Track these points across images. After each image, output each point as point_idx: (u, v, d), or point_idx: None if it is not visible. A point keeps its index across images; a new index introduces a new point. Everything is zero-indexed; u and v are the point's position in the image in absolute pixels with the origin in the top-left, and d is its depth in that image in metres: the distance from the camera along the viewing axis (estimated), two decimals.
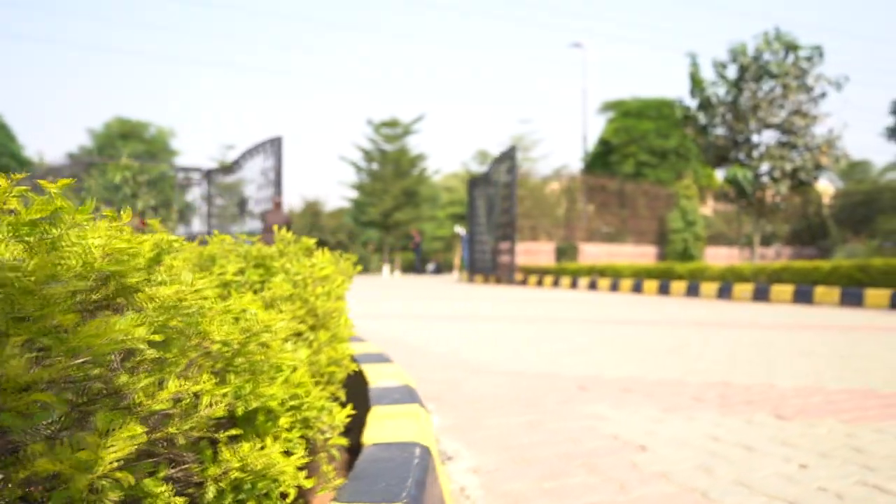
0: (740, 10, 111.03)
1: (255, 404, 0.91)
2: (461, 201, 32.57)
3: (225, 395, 0.85)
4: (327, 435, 1.15)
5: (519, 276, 14.63)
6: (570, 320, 5.72)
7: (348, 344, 1.61)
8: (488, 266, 16.00)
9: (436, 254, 38.62)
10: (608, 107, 23.15)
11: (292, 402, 1.05)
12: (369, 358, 2.36)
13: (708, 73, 11.00)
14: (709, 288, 9.50)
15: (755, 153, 10.47)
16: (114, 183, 19.42)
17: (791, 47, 9.88)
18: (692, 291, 9.79)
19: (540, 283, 13.87)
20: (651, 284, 10.61)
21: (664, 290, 10.34)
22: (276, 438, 0.97)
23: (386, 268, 29.65)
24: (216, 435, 0.91)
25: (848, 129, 43.30)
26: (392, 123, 33.51)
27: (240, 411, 0.94)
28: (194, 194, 18.23)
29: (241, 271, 1.47)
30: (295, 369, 1.05)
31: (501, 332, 4.72)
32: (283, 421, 1.00)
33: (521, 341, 4.18)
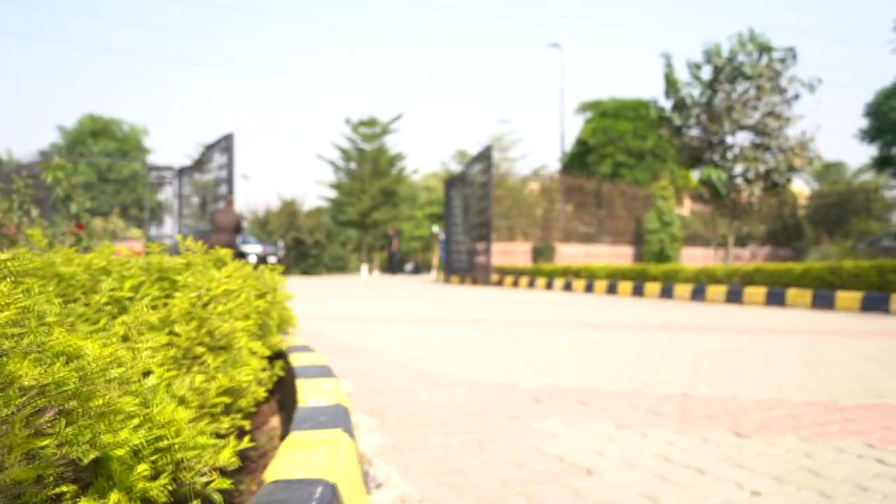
0: (719, 10, 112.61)
1: (93, 455, 0.77)
2: (440, 201, 32.42)
3: (45, 446, 0.71)
4: (207, 478, 1.00)
5: (495, 277, 14.55)
6: (539, 324, 5.62)
7: (256, 365, 1.46)
8: (465, 266, 15.89)
9: (415, 253, 38.47)
10: (585, 107, 23.19)
11: (160, 444, 0.90)
12: (310, 372, 2.20)
13: (683, 74, 11.00)
14: (682, 290, 9.50)
15: (729, 154, 10.51)
16: (82, 181, 18.89)
17: (765, 49, 9.92)
18: (666, 293, 9.78)
19: (516, 283, 13.81)
20: (625, 286, 10.59)
21: (638, 291, 10.32)
22: (129, 490, 0.83)
23: (364, 268, 29.39)
24: (62, 489, 0.77)
25: (822, 131, 43.97)
26: (370, 123, 33.24)
27: (85, 461, 0.79)
28: (168, 193, 17.85)
29: (138, 287, 1.31)
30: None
31: (467, 338, 4.60)
32: (142, 468, 0.85)
33: (486, 347, 4.06)
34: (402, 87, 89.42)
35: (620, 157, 21.14)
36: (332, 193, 34.93)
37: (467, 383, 2.84)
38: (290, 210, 31.82)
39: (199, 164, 14.52)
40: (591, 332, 4.90)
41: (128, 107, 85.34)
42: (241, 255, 21.21)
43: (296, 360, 2.41)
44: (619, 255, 19.41)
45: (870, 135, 19.59)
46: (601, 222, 19.86)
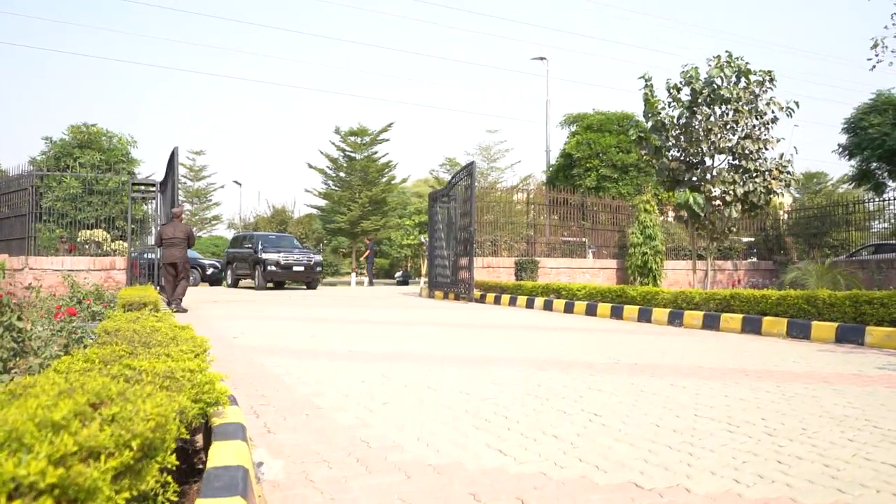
0: (707, 16, 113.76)
1: None
2: (426, 210, 32.31)
3: None
4: None
5: (477, 294, 14.41)
6: (507, 363, 5.46)
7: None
8: (448, 282, 15.74)
9: (405, 260, 38.36)
10: (570, 120, 23.15)
11: None
12: (220, 483, 1.98)
13: (663, 92, 10.94)
14: (660, 314, 9.40)
15: (708, 176, 10.44)
16: (70, 193, 18.52)
17: (743, 72, 9.88)
18: (644, 316, 9.68)
19: (497, 300, 13.68)
20: (604, 308, 10.48)
21: (617, 313, 10.22)
22: None
23: (353, 277, 29.19)
24: None
25: (804, 142, 44.37)
26: (360, 132, 33.07)
27: None
28: (152, 206, 17.59)
29: None
30: None
31: (426, 387, 4.42)
32: None
33: (442, 403, 3.89)
34: (390, 96, 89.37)
35: (605, 170, 21.09)
36: (322, 202, 34.66)
37: (408, 464, 2.67)
38: (280, 219, 31.44)
39: (165, 182, 14.33)
40: (558, 376, 4.74)
41: (115, 115, 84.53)
42: (258, 263, 18.92)
43: (214, 454, 2.21)
44: (603, 269, 19.34)
45: (849, 150, 19.71)
46: (585, 235, 19.80)
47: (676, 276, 20.07)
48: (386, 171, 34.15)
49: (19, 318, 2.56)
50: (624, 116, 21.76)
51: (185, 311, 11.02)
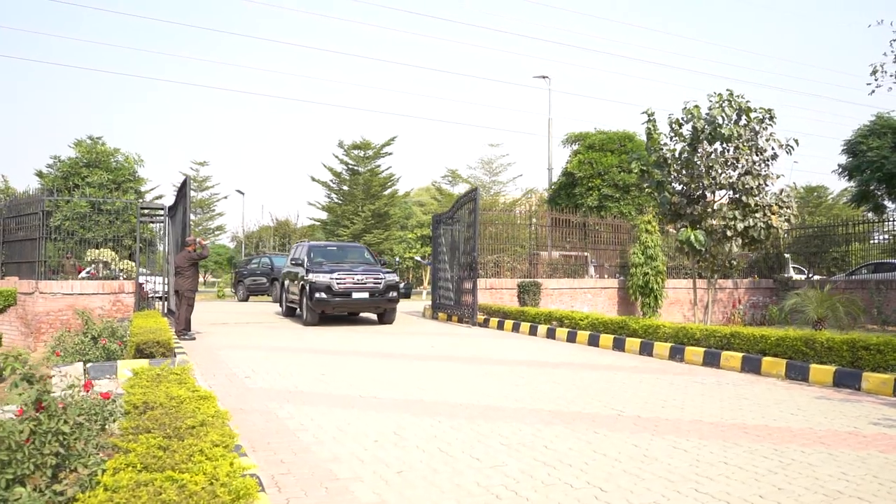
0: (713, 32, 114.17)
1: None
2: (430, 223, 32.54)
3: None
4: None
5: (480, 318, 14.59)
6: (515, 415, 5.63)
7: None
8: (451, 304, 15.92)
9: (407, 272, 38.54)
10: (572, 139, 23.40)
11: None
12: None
13: (665, 124, 11.16)
14: (662, 348, 9.58)
15: (709, 210, 10.64)
16: (76, 212, 18.77)
17: (744, 110, 10.10)
18: (646, 350, 9.85)
19: (501, 326, 13.85)
20: (607, 339, 10.66)
21: (619, 345, 10.39)
22: None
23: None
24: None
25: (807, 155, 44.50)
26: (363, 146, 33.36)
27: None
28: (158, 226, 17.82)
29: None
30: None
31: (440, 448, 4.60)
32: None
33: (457, 469, 4.06)
34: (394, 109, 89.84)
35: (607, 189, 21.31)
36: (325, 214, 34.91)
37: None
38: (283, 231, 31.49)
39: (175, 206, 14.57)
40: (563, 433, 4.91)
41: (120, 126, 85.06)
42: (304, 287, 13.25)
43: None
44: (605, 289, 19.51)
45: (848, 171, 19.92)
46: (587, 256, 19.99)
47: (678, 294, 20.24)
48: (388, 184, 34.45)
49: (65, 423, 2.74)
50: (625, 136, 21.98)
51: (193, 338, 11.22)
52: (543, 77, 25.13)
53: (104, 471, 2.65)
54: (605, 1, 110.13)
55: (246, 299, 24.46)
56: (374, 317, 15.00)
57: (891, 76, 10.71)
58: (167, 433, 3.27)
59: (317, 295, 12.74)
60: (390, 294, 13.30)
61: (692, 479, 3.96)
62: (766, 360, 8.06)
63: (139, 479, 2.51)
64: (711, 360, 8.73)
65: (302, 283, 13.41)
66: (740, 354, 8.41)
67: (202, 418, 3.56)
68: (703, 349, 8.95)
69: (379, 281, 13.20)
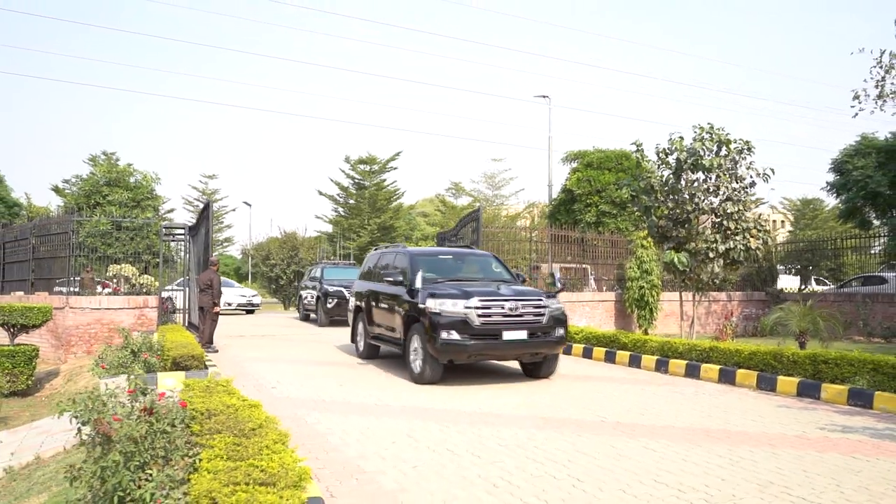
0: (710, 45, 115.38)
1: None
2: (434, 235, 33.38)
3: None
4: None
5: None
6: (505, 422, 6.50)
7: None
8: None
9: None
10: (572, 157, 24.40)
11: None
12: None
13: (652, 152, 12.13)
14: (648, 360, 10.45)
15: (694, 233, 11.56)
16: (98, 229, 19.77)
17: (724, 142, 11.05)
18: (634, 362, 10.72)
19: None
20: (599, 352, 11.53)
21: (610, 358, 11.26)
22: None
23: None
24: None
25: (802, 167, 45.16)
26: (369, 160, 34.38)
27: None
28: (177, 244, 18.77)
29: None
30: None
31: (424, 447, 5.48)
32: None
33: (437, 466, 4.95)
34: (399, 124, 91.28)
35: (604, 206, 22.24)
36: (331, 228, 35.92)
37: None
38: (291, 244, 32.27)
39: (196, 227, 15.59)
40: (553, 436, 5.78)
41: (133, 141, 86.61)
42: (410, 321, 8.53)
43: None
44: (602, 301, 20.38)
45: (836, 188, 20.81)
46: (586, 269, 20.87)
47: (672, 306, 21.07)
48: (394, 198, 35.48)
49: (170, 424, 3.66)
50: (622, 154, 22.93)
51: (216, 350, 12.15)
52: (544, 97, 26.19)
53: (200, 460, 3.56)
54: (604, 20, 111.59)
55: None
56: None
57: (872, 100, 11.60)
58: (235, 433, 4.18)
59: (443, 336, 7.97)
60: (557, 333, 8.47)
61: (653, 472, 4.84)
62: (740, 372, 8.93)
63: (229, 465, 3.42)
64: (692, 372, 9.60)
65: (408, 313, 8.69)
66: (718, 367, 9.28)
67: (259, 422, 4.47)
68: (685, 362, 9.83)
69: (541, 311, 8.32)
